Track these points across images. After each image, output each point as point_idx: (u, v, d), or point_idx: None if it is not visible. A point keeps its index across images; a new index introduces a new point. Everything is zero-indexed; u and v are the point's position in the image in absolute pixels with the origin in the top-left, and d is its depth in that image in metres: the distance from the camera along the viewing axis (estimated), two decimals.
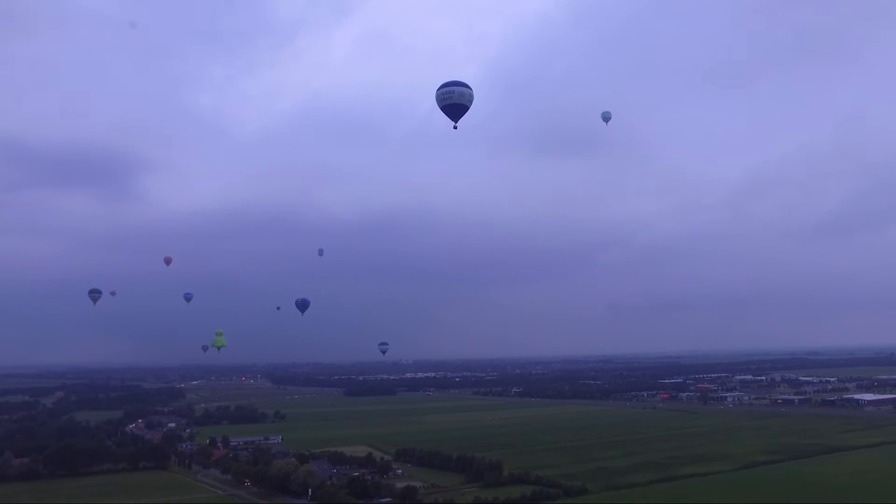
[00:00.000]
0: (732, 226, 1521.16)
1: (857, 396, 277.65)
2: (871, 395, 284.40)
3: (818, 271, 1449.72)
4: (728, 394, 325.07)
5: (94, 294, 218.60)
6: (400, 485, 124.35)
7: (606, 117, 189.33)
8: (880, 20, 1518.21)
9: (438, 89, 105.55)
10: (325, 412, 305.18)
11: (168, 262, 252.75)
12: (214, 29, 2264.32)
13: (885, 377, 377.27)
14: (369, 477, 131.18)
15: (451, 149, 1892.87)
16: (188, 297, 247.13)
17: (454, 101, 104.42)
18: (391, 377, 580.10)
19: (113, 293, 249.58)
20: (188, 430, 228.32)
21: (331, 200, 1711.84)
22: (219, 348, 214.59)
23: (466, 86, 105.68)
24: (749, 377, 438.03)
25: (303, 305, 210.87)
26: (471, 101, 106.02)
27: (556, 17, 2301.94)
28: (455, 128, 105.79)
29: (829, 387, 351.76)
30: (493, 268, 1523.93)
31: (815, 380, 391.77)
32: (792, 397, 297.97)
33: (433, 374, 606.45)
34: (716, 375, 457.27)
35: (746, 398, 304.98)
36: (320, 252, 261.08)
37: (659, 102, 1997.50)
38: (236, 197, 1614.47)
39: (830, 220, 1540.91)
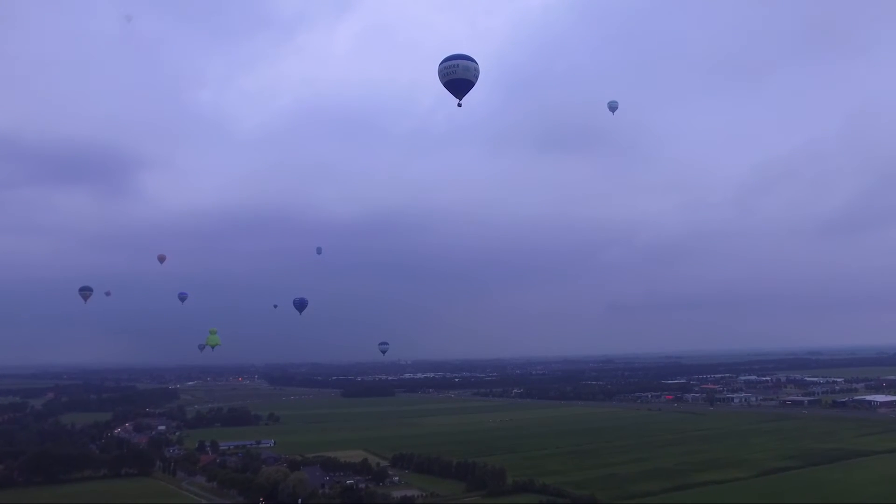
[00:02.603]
0: (738, 224, 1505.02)
1: (868, 398, 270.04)
2: (884, 396, 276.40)
3: (822, 270, 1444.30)
4: (734, 395, 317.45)
5: (85, 292, 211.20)
6: (396, 494, 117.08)
7: (613, 107, 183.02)
8: (889, 14, 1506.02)
9: (441, 63, 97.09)
10: (320, 414, 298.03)
11: (162, 259, 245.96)
12: (213, 23, 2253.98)
13: (892, 378, 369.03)
14: (364, 485, 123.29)
15: (453, 146, 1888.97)
16: (183, 297, 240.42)
17: (458, 76, 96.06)
18: (389, 378, 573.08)
19: (108, 293, 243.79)
20: (177, 434, 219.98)
21: (330, 198, 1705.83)
22: (213, 347, 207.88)
23: (471, 59, 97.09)
24: (753, 378, 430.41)
25: (301, 305, 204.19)
26: (476, 76, 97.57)
27: (559, 12, 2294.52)
28: (459, 105, 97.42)
29: (837, 388, 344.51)
30: (493, 267, 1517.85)
31: (822, 380, 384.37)
32: (801, 398, 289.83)
33: (432, 375, 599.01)
34: (719, 376, 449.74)
35: (754, 399, 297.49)
36: (319, 251, 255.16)
37: (664, 98, 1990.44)
38: (234, 195, 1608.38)
39: (837, 217, 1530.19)
